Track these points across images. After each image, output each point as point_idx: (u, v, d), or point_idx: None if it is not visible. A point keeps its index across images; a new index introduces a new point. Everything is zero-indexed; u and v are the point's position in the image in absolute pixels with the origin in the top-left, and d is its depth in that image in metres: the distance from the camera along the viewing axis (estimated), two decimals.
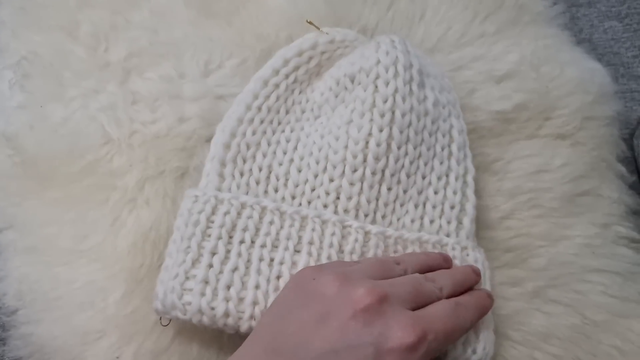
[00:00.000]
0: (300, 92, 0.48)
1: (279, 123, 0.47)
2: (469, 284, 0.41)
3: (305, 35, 0.49)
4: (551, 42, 0.55)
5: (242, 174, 0.45)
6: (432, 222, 0.45)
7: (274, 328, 0.35)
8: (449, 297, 0.38)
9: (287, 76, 0.48)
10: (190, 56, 0.52)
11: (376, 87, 0.45)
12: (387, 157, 0.44)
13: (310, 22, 0.48)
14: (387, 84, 0.44)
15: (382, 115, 0.44)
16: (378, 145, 0.44)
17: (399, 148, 0.44)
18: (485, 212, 0.49)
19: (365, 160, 0.44)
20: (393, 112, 0.44)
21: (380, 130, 0.44)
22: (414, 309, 0.35)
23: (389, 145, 0.44)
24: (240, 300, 0.39)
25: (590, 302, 0.47)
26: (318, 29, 0.48)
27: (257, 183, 0.45)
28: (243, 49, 0.52)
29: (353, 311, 0.33)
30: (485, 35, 0.55)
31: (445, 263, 0.42)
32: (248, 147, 0.46)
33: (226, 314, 0.39)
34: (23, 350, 0.45)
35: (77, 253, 0.46)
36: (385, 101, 0.44)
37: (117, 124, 0.49)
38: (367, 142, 0.44)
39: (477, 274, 0.42)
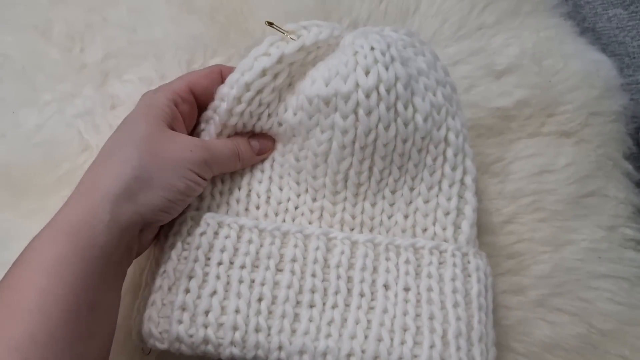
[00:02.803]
0: (269, 116, 0.43)
1: None
2: None
3: (265, 40, 0.41)
4: (554, 33, 0.53)
5: (221, 194, 0.43)
6: (425, 230, 0.42)
7: None
8: None
9: (249, 103, 0.41)
10: (172, 56, 0.49)
11: (357, 117, 0.40)
12: (369, 180, 0.42)
13: (271, 24, 0.40)
14: (369, 113, 0.39)
15: (364, 148, 0.41)
16: (358, 174, 0.42)
17: (381, 172, 0.42)
18: (486, 216, 0.47)
19: (346, 186, 0.42)
20: (375, 142, 0.41)
21: (361, 162, 0.41)
22: None
23: (370, 170, 0.42)
24: (220, 325, 0.37)
25: (597, 310, 0.46)
26: (282, 32, 0.40)
27: (238, 202, 0.43)
28: (227, 47, 0.50)
29: None
30: (483, 27, 0.52)
31: None
32: None
33: (205, 341, 0.37)
34: None
35: None
36: (367, 134, 0.40)
37: (96, 130, 0.47)
38: (347, 173, 0.42)
39: None
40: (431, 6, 0.52)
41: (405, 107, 0.40)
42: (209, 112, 0.43)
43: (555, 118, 0.50)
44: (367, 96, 0.39)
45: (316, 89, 0.40)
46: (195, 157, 0.39)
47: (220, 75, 0.43)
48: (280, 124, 0.43)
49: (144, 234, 0.38)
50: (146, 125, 0.38)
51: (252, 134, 0.44)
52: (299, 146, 0.42)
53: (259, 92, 0.41)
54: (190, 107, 0.42)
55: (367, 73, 0.39)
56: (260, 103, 0.42)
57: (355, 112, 0.39)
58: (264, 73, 0.40)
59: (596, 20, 0.60)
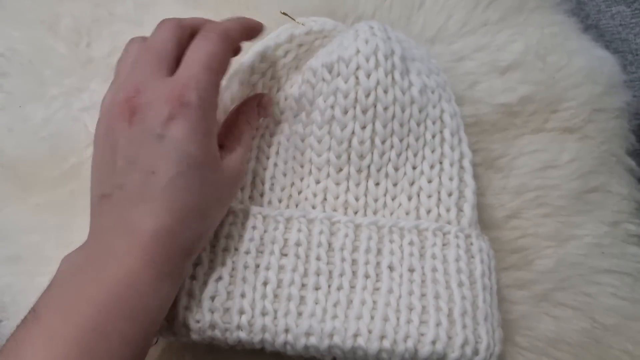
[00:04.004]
0: (278, 90, 0.46)
1: (258, 128, 0.45)
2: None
3: (280, 27, 0.46)
4: (558, 29, 0.53)
5: None
6: (429, 211, 0.43)
7: (95, 178, 0.36)
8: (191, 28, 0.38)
9: (263, 74, 0.45)
10: None
11: (357, 79, 0.42)
12: (372, 153, 0.43)
13: (284, 14, 0.45)
14: (368, 75, 0.42)
15: (365, 112, 0.42)
16: (361, 143, 0.42)
17: (383, 142, 0.43)
18: (489, 211, 0.48)
19: (349, 159, 0.43)
20: (375, 107, 0.42)
21: (363, 128, 0.42)
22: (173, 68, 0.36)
23: (372, 141, 0.43)
24: (226, 310, 0.37)
25: (600, 305, 0.46)
26: (294, 20, 0.46)
27: (242, 189, 0.43)
28: None
29: (127, 123, 0.34)
30: (488, 24, 0.52)
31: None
32: None
33: (212, 326, 0.37)
34: None
35: None
36: (367, 95, 0.42)
37: None
38: (350, 141, 0.42)
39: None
40: (436, 2, 0.52)
41: (402, 77, 0.43)
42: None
43: (559, 114, 0.50)
44: (367, 60, 0.42)
45: (320, 59, 0.44)
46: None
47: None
48: (286, 98, 0.45)
49: None
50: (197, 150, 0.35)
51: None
52: (304, 124, 0.44)
53: (272, 64, 0.45)
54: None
55: (366, 42, 0.42)
56: (272, 76, 0.45)
57: (356, 75, 0.42)
58: (276, 48, 0.45)
59: (600, 17, 0.60)
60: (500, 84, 0.50)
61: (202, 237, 0.36)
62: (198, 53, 0.36)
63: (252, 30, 0.41)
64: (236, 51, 0.42)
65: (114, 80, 0.39)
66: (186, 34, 0.38)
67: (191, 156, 0.34)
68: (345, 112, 0.42)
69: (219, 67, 0.37)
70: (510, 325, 0.44)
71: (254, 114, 0.43)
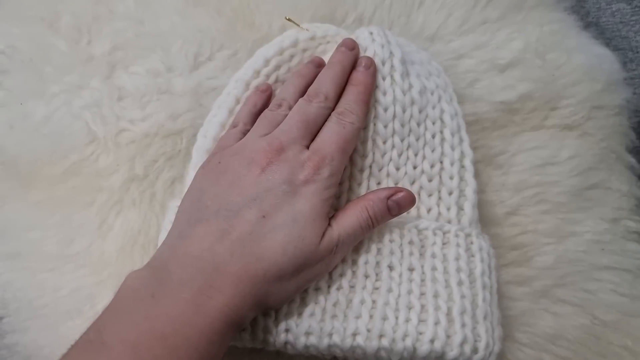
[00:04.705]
0: None
1: None
2: (348, 62, 0.43)
3: (285, 32, 0.48)
4: (557, 27, 0.53)
5: None
6: (429, 210, 0.43)
7: (193, 206, 0.37)
8: (336, 97, 0.42)
9: (268, 77, 0.46)
10: (179, 48, 0.49)
11: None
12: (373, 153, 0.43)
13: (289, 19, 0.47)
14: None
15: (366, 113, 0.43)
16: (362, 143, 0.43)
17: (384, 143, 0.43)
18: (489, 207, 0.48)
19: (351, 159, 0.43)
20: (375, 109, 0.43)
21: (364, 129, 0.43)
22: (312, 139, 0.39)
23: (373, 141, 0.43)
24: None
25: (600, 302, 0.46)
26: (298, 25, 0.47)
27: None
28: (234, 40, 0.50)
29: (260, 169, 0.36)
30: (487, 22, 0.52)
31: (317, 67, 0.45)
32: None
33: None
34: None
35: (63, 258, 0.45)
36: None
37: (103, 121, 0.47)
38: None
39: (351, 47, 0.44)
40: (435, 1, 0.52)
41: (402, 79, 0.44)
42: (221, 97, 0.44)
43: (559, 111, 0.50)
44: None
45: None
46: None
47: None
48: None
49: None
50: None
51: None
52: None
53: (277, 68, 0.46)
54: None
55: (364, 49, 0.45)
56: (276, 79, 0.45)
57: None
58: (281, 52, 0.46)
59: (600, 15, 0.60)
60: (499, 81, 0.50)
61: (279, 297, 0.36)
62: (338, 135, 0.39)
63: None
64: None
65: (264, 118, 0.42)
66: (332, 108, 0.41)
67: (303, 215, 0.36)
68: None
69: (349, 151, 0.40)
70: (510, 321, 0.44)
71: (380, 204, 0.39)
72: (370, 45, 0.44)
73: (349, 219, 0.38)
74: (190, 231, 0.35)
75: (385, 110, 0.43)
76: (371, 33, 0.45)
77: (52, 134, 0.47)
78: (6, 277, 0.45)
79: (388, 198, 0.39)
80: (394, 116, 0.43)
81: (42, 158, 0.47)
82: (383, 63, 0.44)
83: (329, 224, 0.37)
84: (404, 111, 0.43)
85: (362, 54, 0.44)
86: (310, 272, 0.36)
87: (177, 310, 0.31)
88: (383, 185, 0.43)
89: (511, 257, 0.47)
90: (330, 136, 0.39)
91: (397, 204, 0.39)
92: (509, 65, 0.51)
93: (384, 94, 0.43)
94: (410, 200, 0.40)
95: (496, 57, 0.51)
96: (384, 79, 0.43)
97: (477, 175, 0.45)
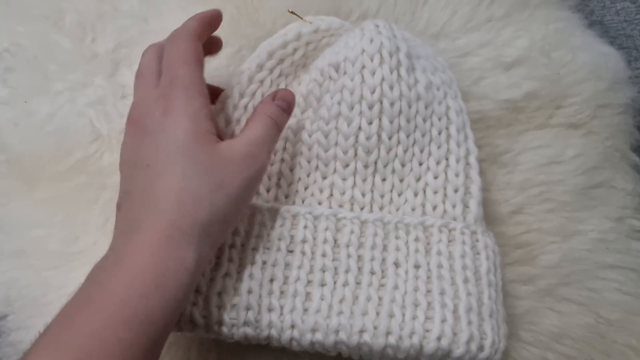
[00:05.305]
0: (286, 87, 0.46)
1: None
2: None
3: (288, 25, 0.46)
4: (562, 25, 0.53)
5: None
6: (435, 207, 0.43)
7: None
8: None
9: (271, 70, 0.45)
10: None
11: (363, 77, 0.43)
12: (379, 149, 0.43)
13: (292, 12, 0.46)
14: (373, 73, 0.43)
15: (371, 107, 0.42)
16: (368, 138, 0.43)
17: (390, 138, 0.43)
18: (494, 206, 0.47)
19: (356, 155, 0.43)
20: (381, 102, 0.43)
21: (370, 123, 0.43)
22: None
23: (379, 137, 0.43)
24: (233, 306, 0.37)
25: (605, 300, 0.46)
26: (301, 18, 0.46)
27: None
28: (238, 37, 0.50)
29: (132, 140, 0.37)
30: (492, 20, 0.52)
31: None
32: None
33: (219, 322, 0.37)
34: (13, 358, 0.44)
35: (68, 256, 0.45)
36: (372, 92, 0.42)
37: (107, 119, 0.48)
38: (356, 137, 0.43)
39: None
40: None
41: (408, 73, 0.43)
42: (227, 90, 0.44)
43: (564, 110, 0.50)
44: (371, 59, 0.43)
45: (327, 59, 0.44)
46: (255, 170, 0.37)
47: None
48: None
49: None
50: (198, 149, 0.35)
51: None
52: (311, 120, 0.44)
53: (280, 61, 0.45)
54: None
55: (371, 41, 0.43)
56: (280, 73, 0.45)
57: (362, 74, 0.43)
58: (284, 45, 0.45)
59: (604, 14, 0.60)
60: (504, 79, 0.50)
61: (205, 226, 0.34)
62: (170, 55, 0.38)
63: (210, 20, 0.41)
64: (215, 46, 0.44)
65: None
66: (162, 51, 0.40)
67: (179, 141, 0.35)
68: (352, 107, 0.42)
69: (193, 60, 0.38)
70: (514, 320, 0.44)
71: (270, 105, 0.40)
72: (377, 37, 0.43)
73: (253, 129, 0.39)
74: (116, 219, 0.36)
75: (392, 104, 0.43)
76: (377, 25, 0.44)
77: (56, 132, 0.47)
78: (11, 275, 0.45)
79: (273, 100, 0.40)
80: (400, 112, 0.43)
81: (46, 155, 0.47)
82: (390, 55, 0.43)
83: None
84: (409, 107, 0.43)
85: (368, 46, 0.43)
86: (222, 189, 0.35)
87: (110, 280, 0.32)
88: (388, 181, 0.43)
89: (516, 256, 0.47)
90: (167, 60, 0.38)
91: (283, 99, 0.41)
92: (514, 63, 0.51)
93: (391, 87, 0.43)
94: (289, 92, 0.41)
95: (501, 55, 0.51)
96: (391, 71, 0.43)
97: (482, 173, 0.45)
